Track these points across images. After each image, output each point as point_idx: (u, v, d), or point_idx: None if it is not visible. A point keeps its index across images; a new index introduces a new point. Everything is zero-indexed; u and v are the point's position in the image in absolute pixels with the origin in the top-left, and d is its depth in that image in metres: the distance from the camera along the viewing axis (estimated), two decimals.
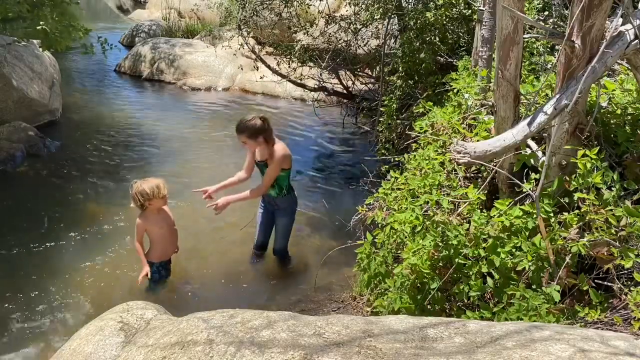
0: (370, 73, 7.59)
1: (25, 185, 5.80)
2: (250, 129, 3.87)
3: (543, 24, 3.76)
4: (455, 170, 3.39)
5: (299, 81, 7.36)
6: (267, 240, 4.47)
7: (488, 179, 3.11)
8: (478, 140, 3.09)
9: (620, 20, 2.45)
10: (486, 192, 3.12)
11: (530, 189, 2.68)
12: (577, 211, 2.57)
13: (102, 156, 6.56)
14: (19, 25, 6.24)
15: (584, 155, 2.55)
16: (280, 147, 3.98)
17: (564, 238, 2.51)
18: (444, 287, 2.84)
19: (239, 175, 4.30)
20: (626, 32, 2.44)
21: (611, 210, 2.44)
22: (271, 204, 4.28)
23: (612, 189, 2.51)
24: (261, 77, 8.45)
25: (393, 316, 2.15)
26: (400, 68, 5.73)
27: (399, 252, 3.20)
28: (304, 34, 7.15)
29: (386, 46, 6.33)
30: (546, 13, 4.37)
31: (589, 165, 2.53)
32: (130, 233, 4.81)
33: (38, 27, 5.94)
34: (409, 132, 4.32)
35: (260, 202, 4.38)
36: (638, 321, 2.19)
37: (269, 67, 7.71)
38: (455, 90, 4.08)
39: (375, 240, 3.32)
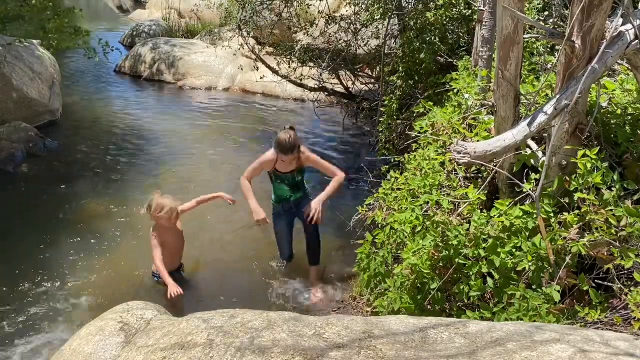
0: (370, 73, 7.58)
1: (25, 185, 5.80)
2: (298, 143, 3.83)
3: (543, 24, 3.76)
4: (455, 170, 3.38)
5: (299, 81, 7.35)
6: (292, 249, 4.36)
7: (488, 179, 3.11)
8: (478, 140, 3.09)
9: (620, 20, 2.45)
10: (486, 192, 3.12)
11: (530, 189, 2.68)
12: (577, 211, 2.57)
13: (101, 156, 6.55)
14: (20, 24, 6.26)
15: (584, 155, 2.55)
16: (308, 149, 4.04)
17: (564, 238, 2.50)
18: (444, 287, 2.84)
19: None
20: (626, 32, 2.44)
21: (611, 210, 2.44)
22: (296, 207, 4.13)
23: (612, 189, 2.51)
24: (261, 77, 8.44)
25: (393, 316, 2.15)
26: (400, 68, 5.72)
27: (398, 252, 3.20)
28: (304, 34, 7.15)
29: (386, 46, 6.32)
30: (546, 13, 4.36)
31: (589, 165, 2.53)
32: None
33: (39, 31, 5.99)
34: (409, 132, 4.31)
35: (274, 216, 4.18)
36: (638, 321, 2.19)
37: (269, 67, 7.70)
38: (455, 90, 4.08)
39: (375, 240, 3.32)
